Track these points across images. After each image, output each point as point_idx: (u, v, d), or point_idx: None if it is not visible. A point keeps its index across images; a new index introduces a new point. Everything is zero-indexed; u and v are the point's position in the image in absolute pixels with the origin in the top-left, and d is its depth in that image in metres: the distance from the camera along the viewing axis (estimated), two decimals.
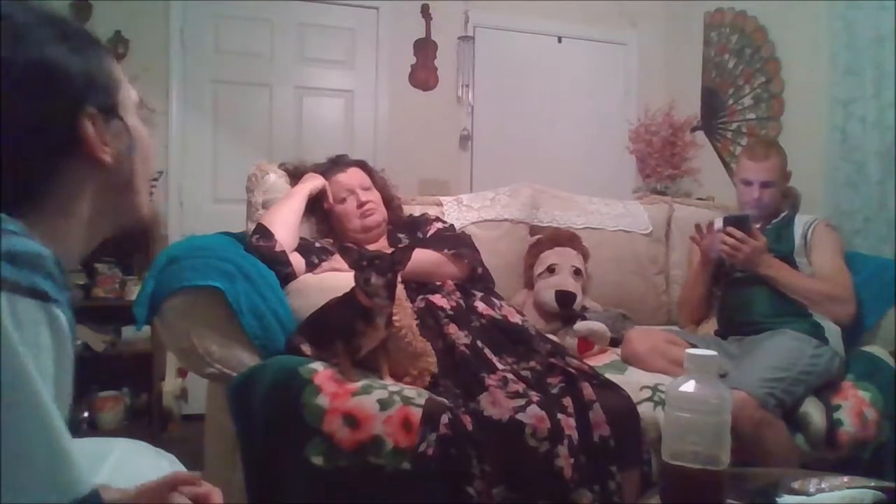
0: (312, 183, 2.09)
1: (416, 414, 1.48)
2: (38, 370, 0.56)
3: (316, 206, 2.12)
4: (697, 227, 2.36)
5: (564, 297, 2.30)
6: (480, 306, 1.89)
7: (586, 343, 2.18)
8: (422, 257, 1.92)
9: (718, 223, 2.30)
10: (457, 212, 2.52)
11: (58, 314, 0.59)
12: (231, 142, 3.63)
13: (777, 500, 1.10)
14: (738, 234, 2.15)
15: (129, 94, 0.79)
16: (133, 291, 3.02)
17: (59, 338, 0.59)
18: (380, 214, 2.13)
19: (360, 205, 2.09)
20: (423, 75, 3.94)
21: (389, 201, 2.21)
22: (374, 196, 2.14)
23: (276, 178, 2.18)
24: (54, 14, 0.72)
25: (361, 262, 1.57)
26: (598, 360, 2.05)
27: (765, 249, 2.16)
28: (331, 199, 2.11)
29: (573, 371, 1.67)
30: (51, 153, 0.69)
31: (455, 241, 2.08)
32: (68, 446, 0.56)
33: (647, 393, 1.77)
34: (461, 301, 1.89)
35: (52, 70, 0.69)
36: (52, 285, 0.59)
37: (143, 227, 0.80)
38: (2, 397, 0.52)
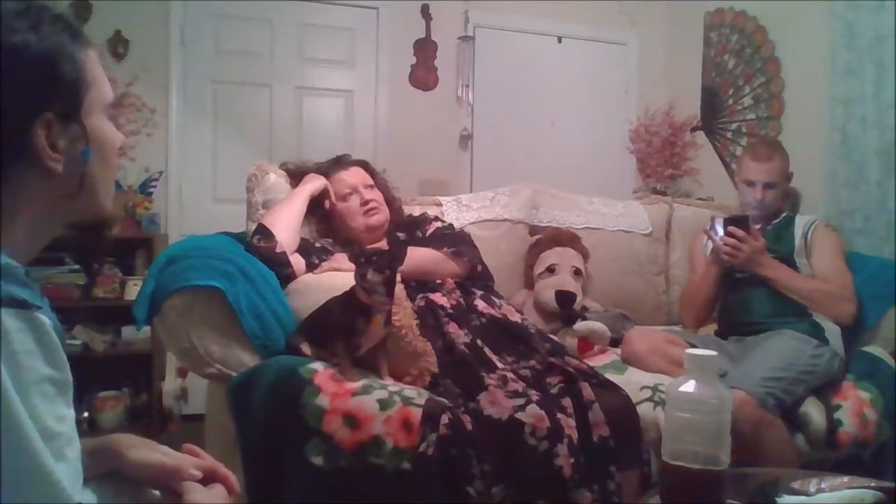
0: (314, 184, 2.08)
1: (416, 414, 1.47)
2: (22, 377, 0.57)
3: (316, 207, 2.11)
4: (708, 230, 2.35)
5: (564, 297, 2.30)
6: (480, 305, 1.89)
7: (586, 343, 2.18)
8: (422, 256, 1.92)
9: (717, 225, 2.29)
10: (456, 212, 2.52)
11: (42, 319, 0.60)
12: (231, 142, 3.63)
13: (777, 500, 1.10)
14: (739, 233, 2.15)
15: (101, 94, 0.75)
16: (133, 291, 3.02)
17: (46, 340, 0.60)
18: (383, 214, 2.12)
19: (364, 202, 2.09)
20: (423, 75, 3.94)
21: (390, 202, 2.20)
22: (377, 195, 2.13)
23: (276, 178, 2.18)
24: (32, 2, 0.68)
25: (359, 259, 1.58)
26: (598, 360, 2.05)
27: (764, 250, 2.16)
28: (333, 199, 2.11)
29: (572, 371, 1.67)
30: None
31: (454, 240, 2.08)
32: (46, 462, 0.57)
33: (647, 393, 1.77)
34: (461, 299, 1.89)
35: (13, 63, 0.65)
36: (30, 293, 0.60)
37: (101, 224, 0.78)
38: None
